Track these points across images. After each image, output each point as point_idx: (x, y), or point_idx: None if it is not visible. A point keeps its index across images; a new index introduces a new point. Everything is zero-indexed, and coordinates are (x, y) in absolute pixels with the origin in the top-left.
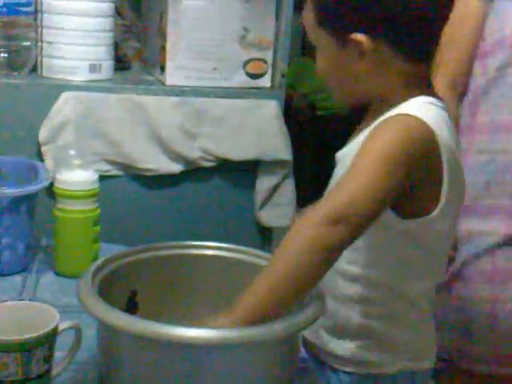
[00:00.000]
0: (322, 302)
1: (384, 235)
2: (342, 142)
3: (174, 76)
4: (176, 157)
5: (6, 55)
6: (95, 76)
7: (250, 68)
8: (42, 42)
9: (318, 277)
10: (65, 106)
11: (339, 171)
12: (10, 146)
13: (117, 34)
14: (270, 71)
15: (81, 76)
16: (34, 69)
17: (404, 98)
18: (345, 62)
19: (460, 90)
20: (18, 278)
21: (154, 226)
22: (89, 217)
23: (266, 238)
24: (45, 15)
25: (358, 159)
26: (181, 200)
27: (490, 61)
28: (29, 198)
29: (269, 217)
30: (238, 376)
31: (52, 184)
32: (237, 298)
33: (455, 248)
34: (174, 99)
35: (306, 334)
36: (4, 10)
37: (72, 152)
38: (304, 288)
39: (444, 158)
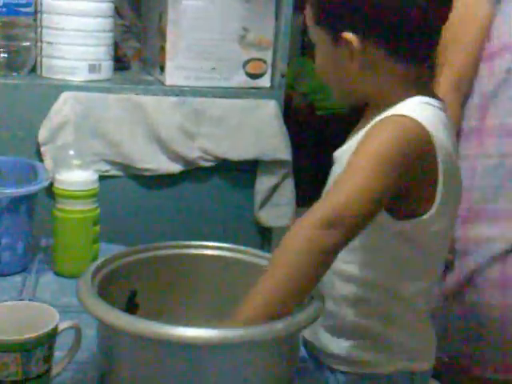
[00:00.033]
0: (322, 301)
1: (379, 236)
2: (341, 142)
3: (173, 76)
4: (175, 157)
5: (6, 55)
6: (95, 76)
7: (250, 68)
8: (41, 42)
9: (318, 277)
10: (64, 106)
11: (336, 170)
12: (10, 146)
13: (116, 34)
14: (269, 71)
15: (80, 76)
16: (33, 69)
17: (400, 98)
18: (339, 61)
19: (464, 91)
20: (17, 278)
21: (153, 226)
22: (88, 217)
23: (265, 237)
24: (44, 15)
25: (354, 159)
26: (180, 200)
27: (497, 62)
28: (28, 198)
29: (268, 217)
30: (238, 376)
31: (51, 184)
32: (237, 298)
33: (453, 251)
34: (173, 99)
35: (306, 334)
36: (4, 10)
37: (71, 152)
38: (305, 287)
39: (439, 159)
